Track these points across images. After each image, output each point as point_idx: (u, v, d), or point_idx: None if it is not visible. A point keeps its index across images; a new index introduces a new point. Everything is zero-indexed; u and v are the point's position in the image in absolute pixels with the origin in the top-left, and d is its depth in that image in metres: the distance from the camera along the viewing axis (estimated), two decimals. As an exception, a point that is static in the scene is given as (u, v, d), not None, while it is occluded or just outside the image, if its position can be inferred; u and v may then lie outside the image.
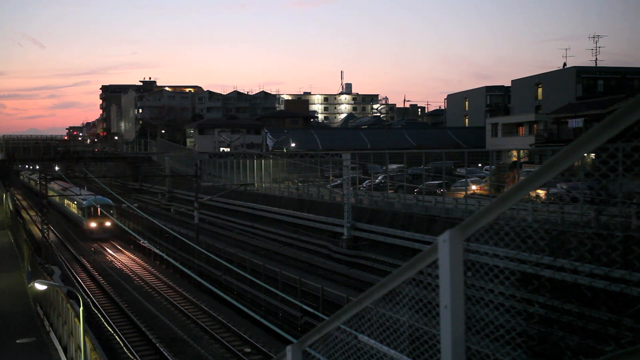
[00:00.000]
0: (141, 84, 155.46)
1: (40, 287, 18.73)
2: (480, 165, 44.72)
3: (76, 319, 16.89)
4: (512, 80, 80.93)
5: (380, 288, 3.83)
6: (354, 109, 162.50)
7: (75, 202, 55.00)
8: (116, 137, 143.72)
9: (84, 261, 42.24)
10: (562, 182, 25.95)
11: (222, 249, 36.13)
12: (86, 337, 15.78)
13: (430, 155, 40.64)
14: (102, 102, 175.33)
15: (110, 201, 50.84)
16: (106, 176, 65.32)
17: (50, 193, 67.96)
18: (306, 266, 36.26)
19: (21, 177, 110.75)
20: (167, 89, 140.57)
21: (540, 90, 74.07)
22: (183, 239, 31.36)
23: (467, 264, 3.19)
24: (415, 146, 72.78)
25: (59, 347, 20.60)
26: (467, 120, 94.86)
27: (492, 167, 37.40)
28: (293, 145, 75.41)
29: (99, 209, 49.23)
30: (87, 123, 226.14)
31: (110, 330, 25.47)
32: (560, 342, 17.95)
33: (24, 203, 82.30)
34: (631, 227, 20.77)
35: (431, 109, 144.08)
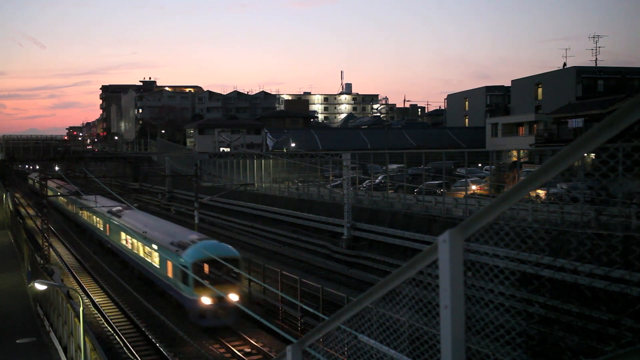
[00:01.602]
0: (141, 84, 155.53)
1: (40, 287, 18.73)
2: (480, 165, 44.73)
3: (76, 319, 16.89)
4: (512, 80, 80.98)
5: (380, 288, 3.83)
6: (354, 109, 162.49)
7: (156, 247, 28.97)
8: (116, 137, 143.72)
9: None
10: (562, 182, 25.97)
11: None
12: (86, 337, 15.77)
13: (430, 155, 40.63)
14: (102, 102, 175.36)
15: (233, 249, 26.99)
16: (106, 176, 65.20)
17: (96, 219, 43.53)
18: (306, 266, 36.27)
19: (30, 181, 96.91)
20: (167, 89, 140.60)
21: (540, 90, 74.07)
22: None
23: (467, 264, 3.19)
24: (415, 146, 72.76)
25: (59, 347, 20.60)
26: (467, 120, 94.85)
27: (492, 167, 37.41)
28: (293, 145, 75.41)
29: (205, 267, 25.19)
30: (87, 123, 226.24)
31: (110, 330, 25.47)
32: (560, 342, 17.94)
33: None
34: (631, 227, 20.76)
35: (431, 109, 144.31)
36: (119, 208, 39.23)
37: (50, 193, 60.97)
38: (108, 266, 37.70)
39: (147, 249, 30.44)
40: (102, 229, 42.35)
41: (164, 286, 28.46)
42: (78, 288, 29.46)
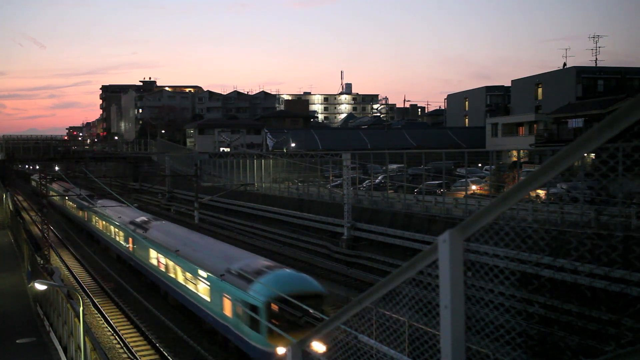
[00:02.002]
0: (141, 84, 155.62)
1: (40, 287, 18.72)
2: (480, 165, 44.73)
3: (76, 319, 16.88)
4: (512, 80, 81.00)
5: (380, 288, 3.83)
6: (354, 109, 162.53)
7: (206, 276, 22.31)
8: (116, 137, 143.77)
9: None
10: (562, 182, 25.98)
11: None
12: (86, 337, 15.77)
13: (430, 155, 40.63)
14: (102, 102, 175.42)
15: (315, 281, 20.19)
16: (106, 176, 65.21)
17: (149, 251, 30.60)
18: (306, 266, 36.25)
19: (33, 183, 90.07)
20: (167, 89, 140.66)
21: (540, 90, 74.08)
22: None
23: (467, 264, 3.19)
24: (415, 146, 72.75)
25: (59, 347, 20.60)
26: (467, 120, 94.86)
27: (492, 167, 37.41)
28: (293, 145, 75.43)
29: (272, 306, 18.50)
30: (87, 123, 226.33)
31: (111, 330, 25.47)
32: (560, 342, 17.93)
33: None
34: (631, 227, 20.76)
35: (431, 109, 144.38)
36: (144, 218, 34.26)
37: (56, 197, 57.80)
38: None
39: (190, 274, 24.08)
40: (123, 242, 36.10)
41: (217, 325, 21.61)
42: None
